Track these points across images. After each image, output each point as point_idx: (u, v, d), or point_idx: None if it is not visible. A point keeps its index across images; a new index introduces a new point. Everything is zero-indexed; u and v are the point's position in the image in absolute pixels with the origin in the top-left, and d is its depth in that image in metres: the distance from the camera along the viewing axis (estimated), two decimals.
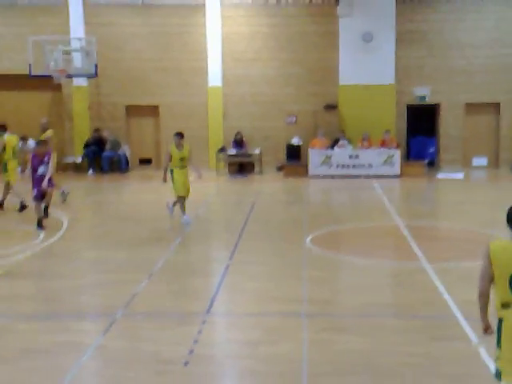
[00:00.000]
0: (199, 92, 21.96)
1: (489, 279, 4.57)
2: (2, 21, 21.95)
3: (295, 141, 21.70)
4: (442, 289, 8.64)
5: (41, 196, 12.84)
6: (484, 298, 4.67)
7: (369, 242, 11.70)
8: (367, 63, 21.09)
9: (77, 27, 21.60)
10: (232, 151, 21.52)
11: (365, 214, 14.43)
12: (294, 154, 21.58)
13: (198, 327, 7.46)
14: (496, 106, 21.81)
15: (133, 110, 22.37)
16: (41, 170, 12.82)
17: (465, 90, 21.61)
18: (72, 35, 21.22)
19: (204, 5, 21.59)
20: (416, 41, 21.56)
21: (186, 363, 6.43)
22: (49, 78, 19.57)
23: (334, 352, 6.72)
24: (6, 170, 14.57)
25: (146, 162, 22.94)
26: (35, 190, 12.73)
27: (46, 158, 12.94)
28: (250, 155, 21.61)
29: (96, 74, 19.95)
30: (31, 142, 21.36)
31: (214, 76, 21.90)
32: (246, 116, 22.04)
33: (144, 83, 21.98)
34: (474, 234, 12.23)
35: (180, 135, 13.22)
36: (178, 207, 13.44)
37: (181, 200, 13.22)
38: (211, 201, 17.42)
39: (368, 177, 19.64)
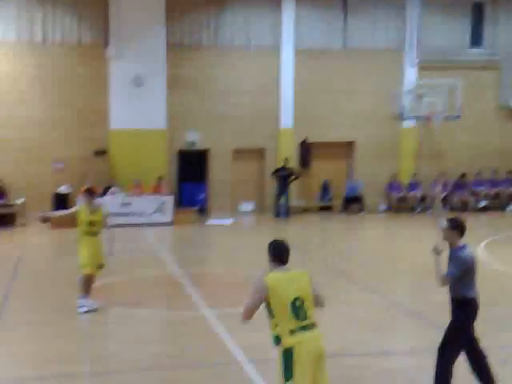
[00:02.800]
0: None
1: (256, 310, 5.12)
2: None
3: (63, 189, 20.85)
4: (225, 334, 8.81)
5: None
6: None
7: (145, 291, 11.58)
8: (138, 107, 20.94)
9: None
10: None
11: (140, 264, 14.25)
12: (62, 203, 20.64)
13: None
14: (261, 152, 23.00)
15: None
16: None
17: (233, 135, 22.45)
18: None
19: None
20: (187, 86, 21.94)
21: None
22: None
23: None
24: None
25: None
26: None
27: None
28: (11, 206, 20.22)
29: None
30: None
31: None
32: (9, 162, 20.68)
33: None
34: (246, 277, 12.74)
35: None
36: None
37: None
38: None
39: (140, 225, 19.45)
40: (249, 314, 5.13)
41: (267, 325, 5.14)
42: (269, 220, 21.68)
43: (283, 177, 21.76)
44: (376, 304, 10.70)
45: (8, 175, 20.50)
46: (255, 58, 22.63)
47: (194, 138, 22.18)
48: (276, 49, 22.70)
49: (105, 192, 20.24)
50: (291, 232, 19.57)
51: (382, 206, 23.65)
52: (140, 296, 11.14)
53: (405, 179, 23.66)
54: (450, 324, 6.45)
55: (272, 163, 22.67)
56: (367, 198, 23.15)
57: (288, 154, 22.49)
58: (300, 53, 22.76)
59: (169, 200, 20.18)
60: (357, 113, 23.29)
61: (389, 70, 23.34)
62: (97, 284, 10.53)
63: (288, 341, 4.97)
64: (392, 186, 23.45)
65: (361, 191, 23.19)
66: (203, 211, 21.98)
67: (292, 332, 4.97)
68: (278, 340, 5.05)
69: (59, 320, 9.79)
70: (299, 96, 22.79)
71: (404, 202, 23.44)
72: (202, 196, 22.25)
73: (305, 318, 5.04)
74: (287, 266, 5.23)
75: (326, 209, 23.58)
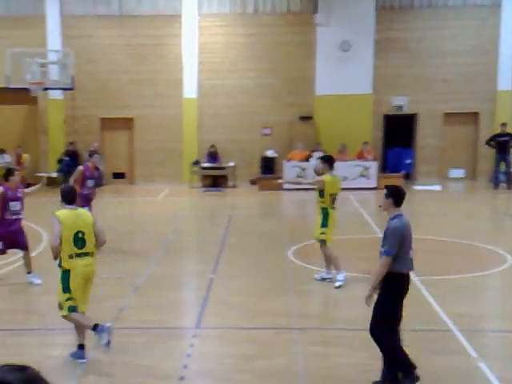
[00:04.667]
0: (174, 104, 21.82)
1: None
2: None
3: (270, 153, 21.69)
4: (433, 302, 8.68)
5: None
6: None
7: (353, 254, 11.70)
8: (344, 73, 21.04)
9: (54, 39, 21.31)
10: (206, 164, 21.42)
11: (344, 227, 14.41)
12: (269, 167, 21.54)
13: (189, 341, 7.38)
14: (475, 116, 21.81)
15: (107, 123, 22.15)
16: None
17: (443, 99, 21.51)
18: (49, 47, 20.92)
19: (180, 15, 21.51)
20: (395, 49, 21.46)
21: (181, 378, 6.35)
22: (25, 90, 19.11)
23: (328, 366, 6.69)
24: None
25: (119, 176, 22.66)
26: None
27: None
28: (223, 168, 21.53)
29: (72, 86, 19.71)
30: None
31: (190, 87, 21.82)
32: (221, 128, 21.96)
33: (119, 95, 21.78)
34: (456, 245, 12.36)
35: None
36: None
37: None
38: (188, 214, 17.30)
39: (343, 189, 19.58)
40: (55, 241, 6.42)
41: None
42: (482, 187, 20.58)
43: (503, 143, 20.31)
44: None
45: (220, 140, 21.76)
46: (471, 17, 21.33)
47: (401, 102, 21.67)
48: (495, 6, 21.18)
49: (309, 157, 20.70)
50: None
51: None
52: (344, 258, 11.29)
53: None
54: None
55: (487, 128, 21.31)
56: None
57: (506, 117, 20.97)
58: None
59: (373, 165, 20.11)
60: None
61: None
62: (303, 245, 10.86)
63: (66, 263, 6.44)
64: None
65: None
66: (409, 177, 21.53)
67: (70, 257, 6.43)
68: (60, 263, 6.48)
69: (266, 275, 10.30)
70: None
71: None
72: (408, 161, 21.78)
73: (82, 247, 6.51)
74: (75, 205, 6.73)
75: None
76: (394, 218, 5.90)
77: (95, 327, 6.44)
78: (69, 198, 6.76)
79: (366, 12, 21.02)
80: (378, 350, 7.04)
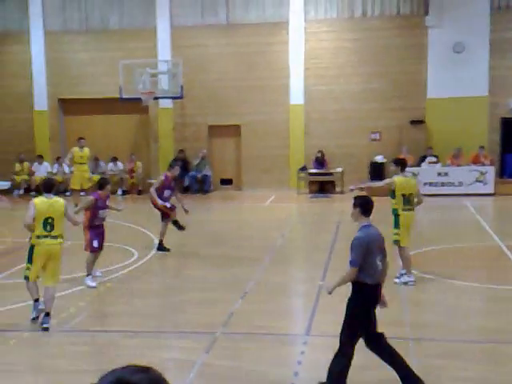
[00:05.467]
0: (281, 110, 21.81)
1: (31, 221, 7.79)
2: (94, 46, 22.58)
3: (379, 158, 21.15)
4: None
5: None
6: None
7: (469, 263, 11.13)
8: (458, 75, 20.25)
9: (164, 50, 21.93)
10: (313, 170, 21.22)
11: (461, 235, 13.79)
12: (378, 172, 20.98)
13: (299, 348, 7.22)
14: None
15: (215, 130, 22.45)
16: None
17: None
18: (160, 58, 21.55)
19: (288, 21, 21.48)
20: None
21: None
22: (137, 100, 19.75)
23: (448, 379, 6.30)
24: None
25: (226, 182, 22.91)
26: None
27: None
28: (331, 174, 21.24)
29: (182, 95, 20.09)
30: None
31: (296, 93, 21.72)
32: (328, 133, 21.68)
33: (227, 103, 22.02)
34: None
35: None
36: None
37: None
38: (295, 220, 17.17)
39: (458, 195, 18.87)
40: (28, 221, 7.72)
41: None
42: None
43: None
44: None
45: (327, 146, 21.49)
46: None
47: None
48: None
49: (421, 161, 20.03)
50: None
51: None
52: (460, 267, 10.77)
53: None
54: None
55: None
56: None
57: None
58: None
59: (490, 170, 19.16)
60: None
61: None
62: (414, 252, 10.46)
63: (34, 240, 7.77)
64: None
65: None
66: None
67: (38, 237, 7.74)
68: (30, 238, 7.84)
69: None
70: None
71: None
72: None
73: (50, 231, 7.75)
74: (51, 195, 7.96)
75: None
76: (362, 228, 5.89)
77: (36, 300, 7.96)
78: (46, 188, 8.02)
79: (481, 12, 20.14)
80: (496, 363, 6.58)
